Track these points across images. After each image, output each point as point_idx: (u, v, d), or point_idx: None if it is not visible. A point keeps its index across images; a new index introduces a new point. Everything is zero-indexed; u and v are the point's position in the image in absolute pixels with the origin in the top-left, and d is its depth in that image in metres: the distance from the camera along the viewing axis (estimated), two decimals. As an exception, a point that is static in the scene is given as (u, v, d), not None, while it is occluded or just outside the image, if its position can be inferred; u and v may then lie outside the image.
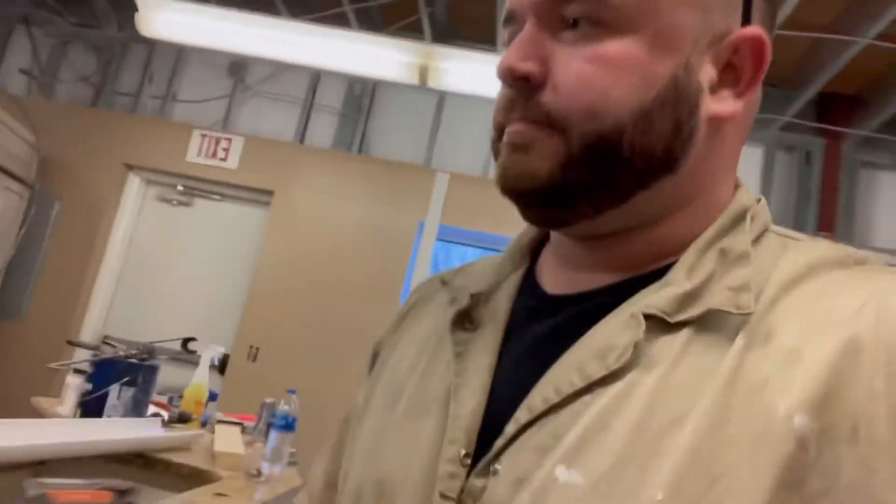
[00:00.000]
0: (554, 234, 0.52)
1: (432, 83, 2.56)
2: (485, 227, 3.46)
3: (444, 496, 0.41)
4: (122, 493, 1.27)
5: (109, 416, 1.78)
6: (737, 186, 0.48)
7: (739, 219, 0.45)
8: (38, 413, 2.05)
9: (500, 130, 0.46)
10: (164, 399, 2.37)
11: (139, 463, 1.64)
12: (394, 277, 3.47)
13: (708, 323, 0.39)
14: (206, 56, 3.86)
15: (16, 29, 4.11)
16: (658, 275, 0.44)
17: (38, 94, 3.94)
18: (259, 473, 1.63)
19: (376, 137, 3.85)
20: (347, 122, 3.85)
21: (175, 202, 3.84)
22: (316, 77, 3.89)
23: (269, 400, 2.20)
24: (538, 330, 0.46)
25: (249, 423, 2.24)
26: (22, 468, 1.49)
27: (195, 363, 2.28)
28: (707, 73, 0.43)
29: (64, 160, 3.69)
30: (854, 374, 0.35)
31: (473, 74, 2.72)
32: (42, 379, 2.99)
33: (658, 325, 0.40)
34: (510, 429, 0.41)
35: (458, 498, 0.41)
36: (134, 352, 1.87)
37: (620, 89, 0.41)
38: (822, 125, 3.56)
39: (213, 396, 2.34)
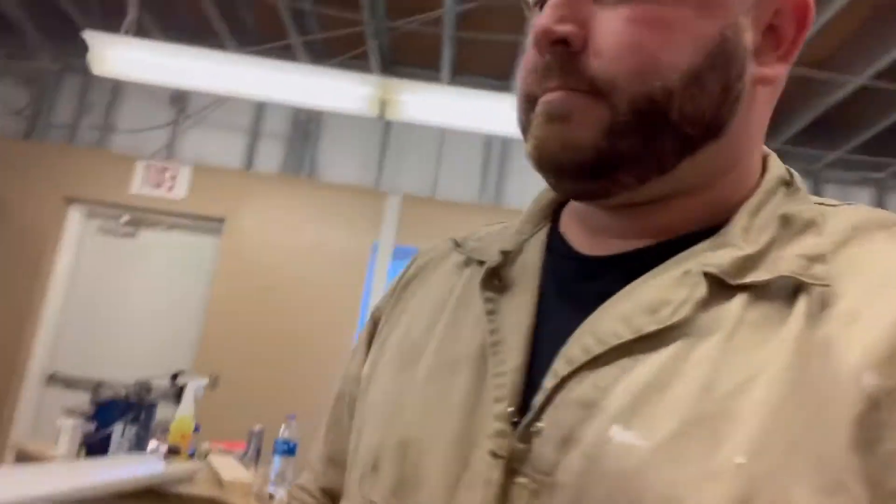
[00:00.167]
0: (577, 203, 0.49)
1: (391, 115, 2.70)
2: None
3: (495, 455, 0.39)
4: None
5: (115, 454, 1.83)
6: (764, 153, 0.48)
7: (780, 184, 0.44)
8: (25, 457, 2.05)
9: (531, 100, 0.43)
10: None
11: (152, 497, 1.71)
12: (350, 298, 3.58)
13: (767, 287, 0.38)
14: (146, 85, 3.83)
15: (-63, 61, 3.94)
16: (696, 238, 0.42)
17: (-34, 128, 3.81)
18: (272, 497, 1.74)
19: (325, 161, 3.94)
20: (295, 148, 3.92)
21: (120, 233, 3.80)
22: (260, 104, 3.95)
23: (256, 428, 2.28)
24: (580, 289, 0.45)
25: (237, 451, 2.31)
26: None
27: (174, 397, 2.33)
28: (749, 35, 0.42)
29: (0, 195, 3.59)
30: None
31: (424, 104, 2.89)
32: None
33: (713, 284, 0.39)
34: (548, 382, 0.39)
35: (508, 456, 0.39)
36: (131, 390, 1.92)
37: (669, 51, 0.40)
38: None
39: (196, 428, 2.39)
